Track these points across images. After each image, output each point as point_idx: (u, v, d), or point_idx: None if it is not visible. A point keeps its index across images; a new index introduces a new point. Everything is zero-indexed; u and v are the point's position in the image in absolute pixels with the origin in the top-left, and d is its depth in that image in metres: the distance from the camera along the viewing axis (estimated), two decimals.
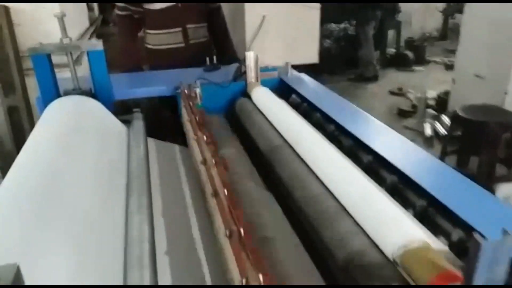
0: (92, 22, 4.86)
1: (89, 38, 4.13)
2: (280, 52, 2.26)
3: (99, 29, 5.06)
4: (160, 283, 0.97)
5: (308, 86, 2.15)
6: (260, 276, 0.76)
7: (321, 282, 1.16)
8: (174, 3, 2.54)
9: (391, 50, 7.53)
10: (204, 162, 1.21)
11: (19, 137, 2.76)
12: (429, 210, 1.15)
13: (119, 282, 0.91)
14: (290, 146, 1.53)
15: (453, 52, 5.95)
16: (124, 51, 2.73)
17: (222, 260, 0.94)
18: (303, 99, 1.98)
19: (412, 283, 0.90)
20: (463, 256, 1.04)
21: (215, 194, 1.05)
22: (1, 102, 2.69)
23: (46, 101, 1.68)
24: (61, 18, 1.66)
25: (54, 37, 1.74)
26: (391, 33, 7.53)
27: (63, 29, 1.70)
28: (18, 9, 2.80)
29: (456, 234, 1.04)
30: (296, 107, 1.98)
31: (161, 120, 2.00)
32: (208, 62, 2.28)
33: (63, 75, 1.88)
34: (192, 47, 2.65)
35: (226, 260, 0.91)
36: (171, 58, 2.59)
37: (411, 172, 1.23)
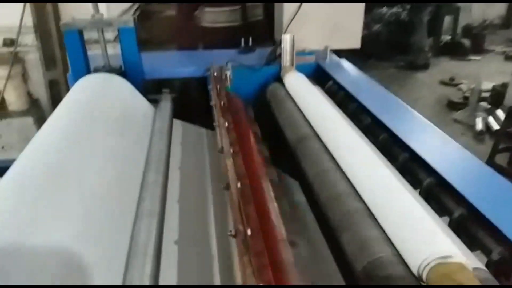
0: None
1: (133, 15, 4.15)
2: (320, 36, 2.12)
3: (143, 6, 5.07)
4: (164, 268, 0.92)
5: (347, 73, 2.01)
6: None
7: (340, 281, 1.08)
8: None
9: (446, 37, 7.05)
10: (222, 150, 1.14)
11: None
12: (467, 221, 1.02)
13: (123, 253, 0.88)
14: (319, 138, 1.43)
15: None
16: (180, 29, 2.68)
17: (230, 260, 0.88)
18: (340, 87, 1.85)
19: None
20: (503, 276, 0.92)
21: (227, 186, 0.98)
22: (43, 75, 2.76)
23: (76, 78, 1.67)
24: None
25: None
26: (447, 19, 7.03)
27: (95, 5, 1.67)
28: None
29: (497, 251, 0.90)
30: (332, 95, 1.86)
31: (191, 102, 1.95)
32: (243, 44, 2.18)
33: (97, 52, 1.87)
34: (248, 26, 2.54)
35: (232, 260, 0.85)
36: (226, 37, 2.49)
37: (450, 175, 1.10)
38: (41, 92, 2.83)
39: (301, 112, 1.62)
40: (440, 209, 1.11)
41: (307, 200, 1.49)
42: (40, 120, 2.89)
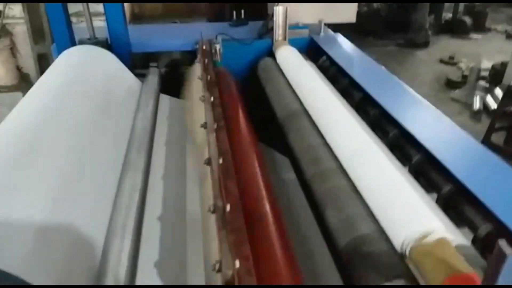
0: None
1: None
2: (314, 9, 2.05)
3: None
4: (144, 249, 0.90)
5: (341, 48, 1.95)
6: (237, 262, 0.66)
7: (326, 254, 1.07)
8: None
9: (447, 15, 6.91)
10: (205, 125, 1.11)
11: None
12: (455, 197, 0.99)
13: (104, 224, 0.86)
14: (309, 114, 1.39)
15: None
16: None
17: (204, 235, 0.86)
18: (334, 62, 1.80)
19: (419, 279, 0.77)
20: (489, 252, 0.90)
21: (209, 162, 0.95)
22: (31, 48, 2.68)
23: (60, 50, 1.62)
24: None
25: None
26: None
27: None
28: None
29: (484, 228, 0.88)
30: (325, 70, 1.81)
31: (180, 77, 1.90)
32: (235, 17, 2.11)
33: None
34: None
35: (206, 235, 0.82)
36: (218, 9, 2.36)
37: (440, 152, 1.06)
38: (31, 66, 2.76)
39: (292, 88, 1.58)
40: (429, 186, 1.08)
41: (296, 176, 1.47)
42: None
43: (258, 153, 1.21)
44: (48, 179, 0.86)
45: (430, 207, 0.91)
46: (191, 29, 2.11)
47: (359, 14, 2.18)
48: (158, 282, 0.89)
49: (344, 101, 1.48)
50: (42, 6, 2.66)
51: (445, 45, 6.23)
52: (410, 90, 1.50)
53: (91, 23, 1.70)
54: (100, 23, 1.95)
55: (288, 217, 1.19)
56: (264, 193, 1.02)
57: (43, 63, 2.75)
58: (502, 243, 0.55)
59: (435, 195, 1.06)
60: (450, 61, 5.42)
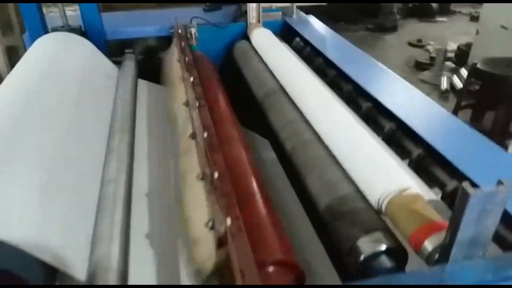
0: None
1: None
2: None
3: None
4: (134, 224, 0.93)
5: (314, 29, 2.00)
6: (228, 220, 0.70)
7: (308, 225, 1.13)
8: None
9: None
10: (187, 103, 1.14)
11: None
12: (425, 160, 1.07)
13: (89, 218, 0.88)
14: (286, 92, 1.44)
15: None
16: None
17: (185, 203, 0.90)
18: (307, 42, 1.85)
19: (397, 231, 0.84)
20: None
21: (194, 135, 0.98)
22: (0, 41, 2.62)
23: (33, 39, 1.60)
24: None
25: None
26: None
27: None
28: None
29: (451, 184, 0.96)
30: (299, 51, 1.86)
31: (156, 62, 1.91)
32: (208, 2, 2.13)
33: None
34: None
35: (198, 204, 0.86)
36: None
37: (410, 120, 1.13)
38: (0, 60, 2.69)
39: (268, 68, 1.62)
40: (401, 152, 1.15)
41: (275, 152, 1.52)
42: None
43: (240, 132, 1.26)
44: (33, 165, 0.87)
45: (403, 168, 0.98)
46: (165, 14, 2.11)
47: None
48: (150, 253, 0.92)
49: (319, 79, 1.53)
50: None
51: (413, 28, 6.40)
52: (381, 65, 1.57)
53: (64, 11, 1.69)
54: (69, 12, 1.93)
55: (270, 192, 1.24)
56: (248, 168, 1.07)
57: (12, 56, 2.68)
58: (466, 184, 0.61)
59: (406, 161, 1.13)
60: (418, 44, 5.60)
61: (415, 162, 1.08)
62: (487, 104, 3.20)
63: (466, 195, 0.60)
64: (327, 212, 0.91)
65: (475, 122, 3.21)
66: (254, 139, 1.70)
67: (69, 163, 0.97)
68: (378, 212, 0.88)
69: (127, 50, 1.75)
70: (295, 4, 2.04)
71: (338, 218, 0.89)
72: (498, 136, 2.91)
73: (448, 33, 5.88)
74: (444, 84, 4.27)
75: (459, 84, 4.15)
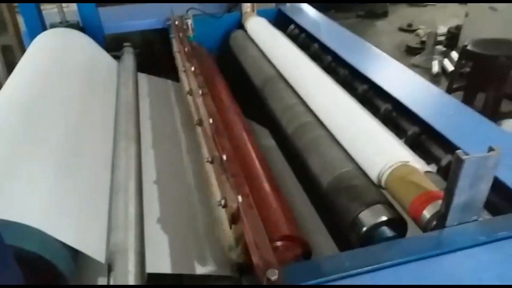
0: None
1: None
2: None
3: None
4: (147, 209, 0.98)
5: (308, 16, 2.04)
6: (239, 197, 0.75)
7: (307, 201, 1.18)
8: None
9: None
10: (190, 92, 1.18)
11: None
12: (421, 137, 1.12)
13: (104, 204, 0.92)
14: (284, 78, 1.48)
15: None
16: None
17: (208, 186, 0.95)
18: (302, 29, 1.89)
19: (396, 204, 0.89)
20: None
21: (200, 123, 1.03)
22: None
23: (32, 36, 1.63)
24: None
25: None
26: None
27: None
28: None
29: (446, 158, 1.01)
30: (294, 38, 1.89)
31: (154, 55, 1.94)
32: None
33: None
34: None
35: (210, 185, 0.91)
36: None
37: (405, 99, 1.18)
38: None
39: (265, 56, 1.66)
40: (397, 131, 1.20)
41: (274, 140, 1.57)
42: None
43: (243, 120, 1.30)
44: (49, 155, 0.90)
45: (400, 145, 1.03)
46: (161, 7, 2.13)
47: None
48: (164, 234, 0.97)
49: (316, 64, 1.57)
50: None
51: (403, 13, 6.43)
52: (375, 48, 1.61)
53: (62, 7, 1.71)
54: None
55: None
56: (252, 152, 1.12)
57: (7, 55, 2.69)
58: (459, 152, 0.66)
59: (403, 140, 1.18)
60: (409, 29, 5.64)
61: (411, 139, 1.13)
62: (478, 85, 3.26)
63: (460, 161, 0.66)
64: (329, 189, 0.96)
65: (467, 103, 3.27)
66: (254, 128, 1.75)
67: (81, 152, 1.01)
68: (378, 187, 0.93)
69: (125, 44, 1.78)
70: None
71: (339, 194, 0.94)
72: (489, 116, 2.97)
73: (438, 16, 5.92)
74: (436, 68, 4.32)
75: (450, 67, 4.20)
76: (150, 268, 0.81)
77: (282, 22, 2.01)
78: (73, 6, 2.20)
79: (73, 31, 1.63)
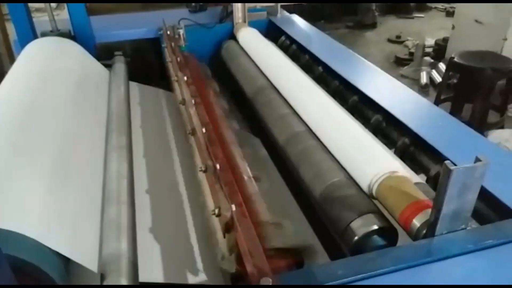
0: None
1: None
2: None
3: None
4: (139, 219, 0.98)
5: (298, 27, 2.07)
6: (233, 206, 0.76)
7: (300, 214, 1.19)
8: None
9: None
10: (183, 102, 1.18)
11: None
12: (410, 147, 1.14)
13: (96, 214, 0.92)
14: (275, 88, 1.50)
15: None
16: None
17: (200, 195, 0.95)
18: (292, 40, 1.92)
19: (387, 213, 0.90)
20: None
21: (193, 132, 1.03)
22: None
23: (23, 44, 1.62)
24: None
25: None
26: None
27: None
28: None
29: (435, 168, 1.03)
30: (285, 49, 1.92)
31: (145, 64, 1.94)
32: (193, 3, 2.17)
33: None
34: None
35: (203, 194, 0.91)
36: None
37: (394, 110, 1.21)
38: None
39: (257, 66, 1.68)
40: (387, 141, 1.22)
41: (266, 149, 1.57)
42: None
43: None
44: (41, 165, 0.89)
45: (391, 155, 1.05)
46: (151, 16, 2.14)
47: None
48: (156, 243, 0.97)
49: (307, 75, 1.60)
50: None
51: (391, 25, 6.55)
52: (365, 60, 1.64)
53: (53, 15, 1.71)
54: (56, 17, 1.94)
55: (263, 184, 1.30)
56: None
57: None
58: (448, 162, 0.68)
59: (393, 150, 1.20)
60: (397, 40, 5.74)
61: (401, 149, 1.15)
62: (465, 96, 3.33)
63: (448, 172, 0.67)
64: (321, 199, 0.98)
65: (454, 113, 3.33)
66: (246, 137, 1.76)
67: (73, 162, 1.00)
68: (369, 196, 0.94)
69: (116, 52, 1.79)
70: (279, 4, 2.10)
71: (331, 204, 0.95)
72: (476, 127, 3.03)
73: (425, 28, 6.04)
74: (424, 79, 4.40)
75: (438, 78, 4.28)
76: (143, 277, 0.81)
77: (273, 33, 2.04)
78: (65, 14, 2.20)
79: (64, 39, 1.63)
